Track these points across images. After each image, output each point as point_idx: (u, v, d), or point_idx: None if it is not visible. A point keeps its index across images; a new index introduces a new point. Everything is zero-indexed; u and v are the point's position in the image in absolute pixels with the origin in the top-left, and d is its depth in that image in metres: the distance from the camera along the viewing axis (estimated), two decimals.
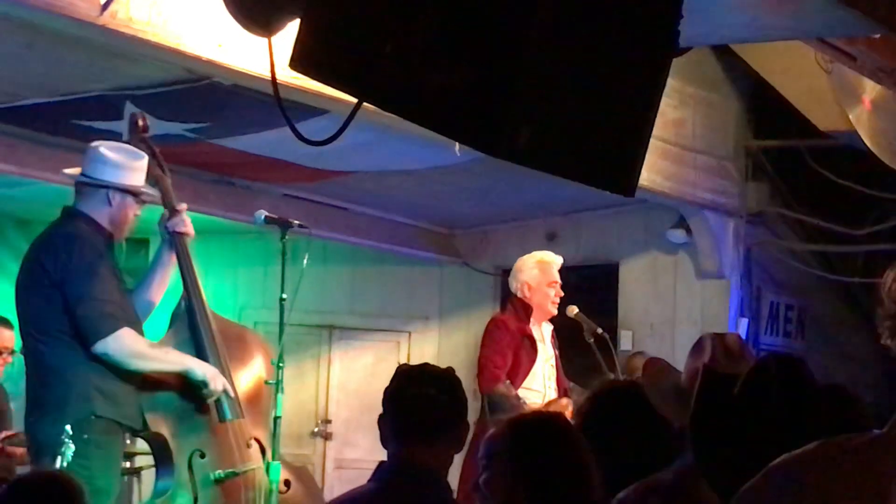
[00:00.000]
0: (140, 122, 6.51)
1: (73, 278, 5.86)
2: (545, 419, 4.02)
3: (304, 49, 3.08)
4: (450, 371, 4.26)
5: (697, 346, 3.56)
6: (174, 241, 6.40)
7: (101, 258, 5.98)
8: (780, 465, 2.47)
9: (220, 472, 6.05)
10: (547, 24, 2.95)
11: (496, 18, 2.94)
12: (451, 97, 2.92)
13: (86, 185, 6.09)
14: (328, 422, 12.59)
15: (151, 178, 6.43)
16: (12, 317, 6.31)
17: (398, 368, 4.32)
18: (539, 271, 8.29)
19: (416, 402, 4.14)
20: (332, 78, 3.14)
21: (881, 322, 2.52)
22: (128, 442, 6.73)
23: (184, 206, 6.52)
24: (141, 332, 6.17)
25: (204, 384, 6.05)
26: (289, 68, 3.18)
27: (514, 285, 8.34)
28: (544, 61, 2.97)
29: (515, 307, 8.25)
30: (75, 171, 6.18)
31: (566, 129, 3.08)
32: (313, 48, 3.08)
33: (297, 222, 6.78)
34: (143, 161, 6.21)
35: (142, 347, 5.98)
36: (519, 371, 8.01)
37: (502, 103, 2.92)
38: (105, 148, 6.12)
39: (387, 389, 4.25)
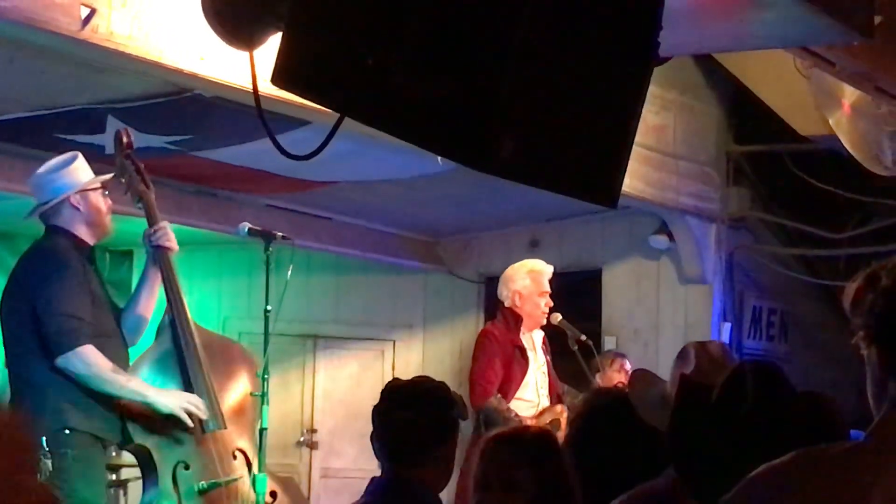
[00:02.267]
0: (125, 139, 6.53)
1: (42, 293, 5.89)
2: (528, 435, 4.04)
3: (286, 65, 3.09)
4: (436, 389, 4.25)
5: (682, 355, 3.59)
6: (157, 255, 6.40)
7: (75, 274, 5.99)
8: (759, 475, 2.49)
9: (203, 483, 6.06)
10: (528, 37, 2.97)
11: (478, 32, 2.95)
12: (434, 111, 2.94)
13: (50, 208, 6.12)
14: (314, 431, 12.59)
15: (136, 194, 6.46)
16: None
17: (386, 385, 4.31)
18: (531, 281, 8.28)
19: (397, 425, 4.15)
20: (315, 93, 3.15)
21: (856, 331, 2.55)
22: (113, 454, 6.74)
23: (164, 222, 6.52)
24: (120, 347, 6.18)
25: (171, 416, 6.05)
26: (270, 83, 3.19)
27: (505, 294, 8.31)
28: (526, 75, 2.99)
29: (505, 317, 8.24)
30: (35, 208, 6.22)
31: (549, 142, 3.10)
32: (295, 64, 3.10)
33: (280, 234, 6.80)
34: (79, 158, 6.23)
35: (101, 370, 5.93)
36: (511, 383, 8.01)
37: (485, 117, 2.93)
38: (42, 169, 6.20)
39: (374, 407, 4.26)
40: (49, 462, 5.60)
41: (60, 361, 5.83)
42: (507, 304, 8.28)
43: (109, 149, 6.79)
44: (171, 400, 6.08)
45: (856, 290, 2.59)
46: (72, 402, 5.88)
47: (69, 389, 5.87)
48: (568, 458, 3.78)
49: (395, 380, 4.39)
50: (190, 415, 6.05)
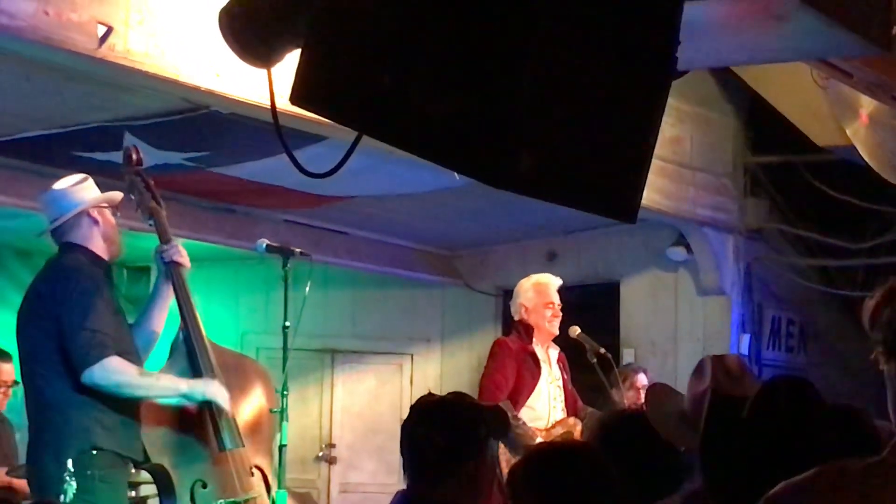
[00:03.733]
0: (134, 156, 6.53)
1: (67, 309, 5.87)
2: (569, 450, 4.03)
3: (304, 84, 3.09)
4: (461, 406, 4.23)
5: (698, 369, 3.57)
6: (170, 272, 6.40)
7: (97, 289, 5.98)
8: (781, 490, 2.48)
9: (222, 502, 6.05)
10: (545, 53, 2.96)
11: (495, 48, 2.95)
12: (451, 128, 2.93)
13: (67, 224, 6.11)
14: (332, 446, 12.58)
15: (147, 211, 6.45)
16: (14, 348, 6.30)
17: (415, 402, 4.29)
18: (535, 293, 8.35)
19: (415, 442, 4.14)
20: (333, 112, 3.15)
21: (875, 347, 2.54)
22: (132, 471, 6.73)
23: (176, 239, 6.53)
24: (139, 363, 6.17)
25: (208, 403, 6.08)
26: (289, 102, 3.19)
27: (514, 308, 8.44)
28: (543, 91, 2.98)
29: (518, 330, 8.31)
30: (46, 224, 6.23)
31: (566, 158, 3.09)
32: (313, 83, 3.09)
33: (298, 250, 6.80)
34: (89, 178, 6.24)
35: (131, 375, 5.93)
36: (522, 390, 8.03)
37: (502, 134, 2.93)
38: (57, 186, 6.19)
39: (402, 423, 4.25)
40: (74, 484, 5.60)
41: (86, 376, 5.79)
42: (516, 317, 8.38)
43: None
44: (205, 388, 6.11)
45: (874, 306, 2.58)
46: (98, 420, 5.86)
47: (94, 408, 5.86)
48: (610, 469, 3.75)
49: (427, 395, 4.37)
50: (206, 415, 6.07)
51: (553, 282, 8.45)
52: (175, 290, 6.38)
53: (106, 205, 6.21)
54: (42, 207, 6.26)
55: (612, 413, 5.01)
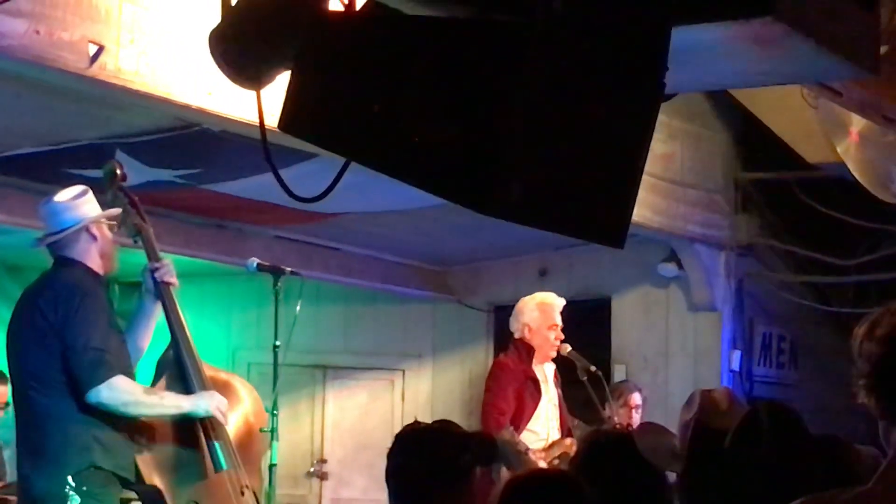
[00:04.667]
0: (118, 171, 6.50)
1: (72, 328, 5.84)
2: (547, 478, 4.02)
3: (293, 111, 3.10)
4: (444, 434, 4.22)
5: (688, 401, 3.58)
6: (159, 291, 6.37)
7: (100, 307, 5.98)
8: None
9: None
10: (533, 81, 2.97)
11: (484, 76, 2.96)
12: (441, 156, 2.94)
13: (65, 238, 6.09)
14: (324, 461, 12.56)
15: (133, 228, 6.43)
16: (3, 364, 6.28)
17: (399, 431, 4.29)
18: (539, 313, 8.30)
19: (396, 470, 4.14)
20: (322, 139, 3.16)
21: (856, 381, 2.54)
22: (123, 491, 6.72)
23: (166, 259, 6.51)
24: (134, 378, 6.17)
25: (202, 422, 6.08)
26: (277, 129, 3.20)
27: (515, 326, 8.34)
28: (532, 119, 2.99)
29: (518, 348, 8.26)
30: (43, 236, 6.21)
31: (556, 185, 3.10)
32: (301, 111, 3.10)
33: (289, 269, 6.80)
34: (90, 191, 6.21)
35: (136, 394, 5.94)
36: (523, 414, 8.01)
37: (491, 161, 2.93)
38: (58, 197, 6.14)
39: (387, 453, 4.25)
40: (78, 500, 5.59)
41: (92, 395, 5.78)
42: (517, 335, 8.30)
43: (104, 185, 6.75)
44: (207, 403, 6.11)
45: (857, 337, 2.59)
46: (96, 438, 5.85)
47: (95, 426, 5.85)
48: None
49: (413, 423, 4.37)
50: (200, 435, 6.08)
51: (558, 303, 8.41)
52: (165, 309, 6.34)
53: (105, 221, 6.20)
54: (41, 218, 6.23)
55: (600, 433, 5.00)
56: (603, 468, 4.06)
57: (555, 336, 8.25)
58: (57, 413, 5.86)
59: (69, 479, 5.60)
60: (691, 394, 3.54)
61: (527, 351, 8.20)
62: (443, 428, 4.27)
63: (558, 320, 8.30)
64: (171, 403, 6.11)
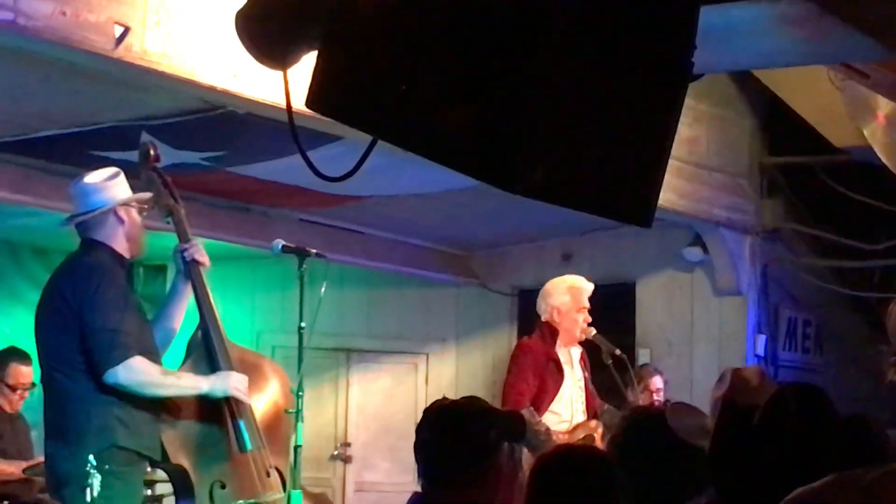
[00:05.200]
0: (151, 152, 6.52)
1: (90, 309, 5.87)
2: (574, 454, 4.04)
3: (320, 89, 3.09)
4: (471, 409, 4.23)
5: (720, 380, 3.57)
6: (189, 270, 6.40)
7: (120, 288, 6.00)
8: (793, 499, 2.48)
9: (241, 503, 6.06)
10: (559, 60, 2.96)
11: (510, 54, 2.95)
12: (467, 134, 2.93)
13: (93, 219, 6.11)
14: (347, 445, 12.59)
15: (165, 209, 6.46)
16: (31, 346, 6.32)
17: (428, 406, 4.30)
18: (570, 297, 8.27)
19: (426, 448, 4.15)
20: (348, 117, 3.15)
21: (886, 359, 2.53)
22: (148, 470, 6.75)
23: (196, 238, 6.53)
24: (159, 361, 6.18)
25: (228, 402, 6.10)
26: (305, 106, 3.20)
27: (543, 308, 8.31)
28: (558, 96, 2.98)
29: (542, 331, 8.23)
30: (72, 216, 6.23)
31: (582, 163, 3.09)
32: (329, 88, 3.10)
33: (314, 251, 6.79)
34: (122, 173, 6.23)
35: (153, 375, 5.96)
36: (545, 395, 7.99)
37: (518, 139, 2.93)
38: (88, 178, 6.15)
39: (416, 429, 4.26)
40: (98, 479, 5.61)
41: (109, 376, 5.80)
42: (544, 318, 8.28)
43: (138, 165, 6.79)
44: (225, 383, 6.13)
45: (893, 315, 2.58)
46: (119, 419, 5.87)
47: (116, 406, 5.87)
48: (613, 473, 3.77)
49: (440, 400, 4.37)
50: (226, 415, 6.09)
51: (587, 287, 8.39)
52: (194, 288, 6.38)
53: (134, 204, 6.21)
54: (70, 198, 6.25)
55: (636, 411, 5.00)
56: (643, 446, 4.07)
57: (583, 319, 8.23)
58: (79, 394, 5.89)
59: (91, 458, 5.62)
60: (722, 372, 3.53)
61: (551, 333, 8.18)
62: (471, 403, 4.28)
63: (587, 304, 8.28)
64: (188, 384, 6.13)
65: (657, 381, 9.55)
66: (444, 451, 4.09)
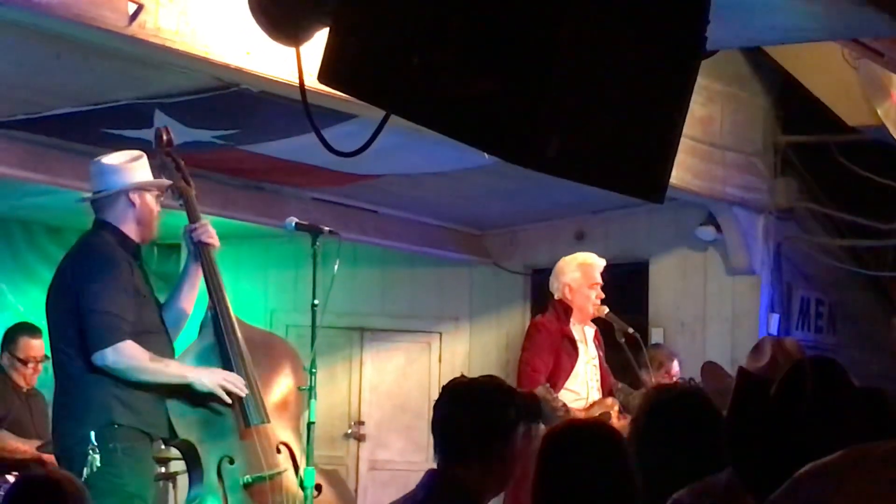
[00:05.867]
0: (165, 136, 6.55)
1: (85, 289, 5.91)
2: (585, 428, 4.05)
3: (332, 63, 3.09)
4: (491, 387, 4.24)
5: (757, 349, 3.57)
6: (199, 252, 6.41)
7: (117, 270, 5.99)
8: (806, 472, 2.48)
9: (248, 477, 6.08)
10: (574, 34, 2.96)
11: (524, 29, 2.95)
12: (480, 108, 2.93)
13: (105, 199, 6.14)
14: (361, 423, 12.61)
15: (176, 191, 6.47)
16: (45, 324, 6.35)
17: (446, 383, 4.31)
18: (581, 274, 8.26)
19: (445, 423, 4.17)
20: (361, 91, 3.15)
21: None
22: (162, 447, 6.77)
23: (205, 219, 6.54)
24: (165, 343, 6.21)
25: (210, 394, 6.09)
26: (317, 80, 3.20)
27: (555, 286, 8.31)
28: (572, 70, 2.98)
29: (556, 309, 8.23)
30: (87, 194, 6.26)
31: (595, 138, 3.09)
32: (341, 62, 3.10)
33: (327, 229, 6.79)
34: (144, 158, 6.26)
35: (141, 360, 5.95)
36: (560, 372, 7.99)
37: (531, 113, 2.93)
38: (106, 159, 6.18)
39: (434, 404, 4.28)
40: (97, 457, 5.64)
41: (98, 357, 5.84)
42: (557, 295, 8.28)
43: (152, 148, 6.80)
44: (210, 378, 6.12)
45: None
46: (117, 397, 5.90)
47: (113, 385, 5.90)
48: (630, 449, 3.78)
49: (459, 377, 4.38)
50: (229, 393, 6.09)
51: (598, 262, 8.38)
52: (203, 269, 6.39)
53: (151, 189, 6.22)
54: (90, 174, 6.27)
55: (664, 388, 5.02)
56: (663, 425, 4.09)
57: (595, 295, 8.22)
58: (78, 372, 5.94)
59: (91, 435, 5.66)
60: (759, 341, 3.53)
61: (565, 311, 8.17)
62: (491, 381, 4.30)
63: (599, 280, 8.28)
64: (174, 372, 6.12)
65: (676, 367, 9.53)
66: (463, 426, 4.11)
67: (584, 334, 8.23)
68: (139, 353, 5.94)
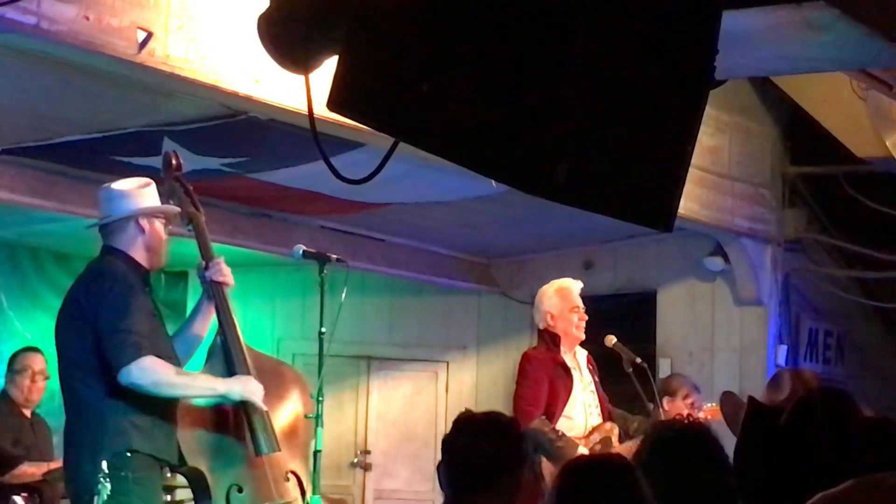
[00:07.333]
0: (174, 161, 6.53)
1: (102, 312, 5.86)
2: (603, 463, 4.04)
3: (342, 90, 3.10)
4: (506, 421, 4.28)
5: (775, 381, 3.56)
6: (212, 290, 6.40)
7: (132, 292, 5.96)
8: (815, 503, 2.46)
9: None
10: (583, 62, 2.96)
11: (533, 56, 2.95)
12: (489, 136, 2.93)
13: (113, 225, 6.12)
14: (367, 452, 12.58)
15: (186, 217, 6.46)
16: (52, 351, 6.34)
17: (457, 416, 4.33)
18: (559, 299, 8.22)
19: (461, 454, 4.17)
20: (370, 118, 3.15)
21: None
22: (167, 475, 6.75)
23: (220, 257, 6.51)
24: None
25: (244, 405, 6.09)
26: (326, 107, 3.20)
27: (538, 317, 8.28)
28: (581, 99, 2.98)
29: (543, 339, 8.21)
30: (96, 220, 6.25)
31: (604, 166, 3.09)
32: (350, 89, 3.10)
33: (335, 257, 6.79)
34: (153, 185, 6.23)
35: (167, 374, 5.90)
36: (557, 401, 7.95)
37: (540, 141, 2.92)
38: (115, 185, 6.17)
39: (444, 437, 4.29)
40: (109, 485, 5.61)
41: (123, 375, 5.76)
42: (541, 326, 8.25)
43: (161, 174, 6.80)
44: (244, 387, 6.11)
45: None
46: (133, 423, 5.86)
47: (131, 411, 5.86)
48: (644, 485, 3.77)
49: (468, 411, 4.40)
50: (247, 417, 6.09)
51: (574, 285, 8.35)
52: (217, 308, 6.36)
53: (159, 215, 6.20)
54: (99, 200, 6.26)
55: (667, 424, 4.99)
56: (669, 459, 4.08)
57: (577, 318, 8.20)
58: (94, 399, 5.88)
59: (103, 464, 5.63)
60: (777, 373, 3.52)
61: (553, 340, 8.14)
62: (501, 415, 4.33)
63: (579, 302, 8.23)
64: (203, 385, 6.13)
65: (696, 395, 9.40)
66: (483, 455, 4.11)
67: (577, 361, 8.20)
68: (163, 367, 5.89)
